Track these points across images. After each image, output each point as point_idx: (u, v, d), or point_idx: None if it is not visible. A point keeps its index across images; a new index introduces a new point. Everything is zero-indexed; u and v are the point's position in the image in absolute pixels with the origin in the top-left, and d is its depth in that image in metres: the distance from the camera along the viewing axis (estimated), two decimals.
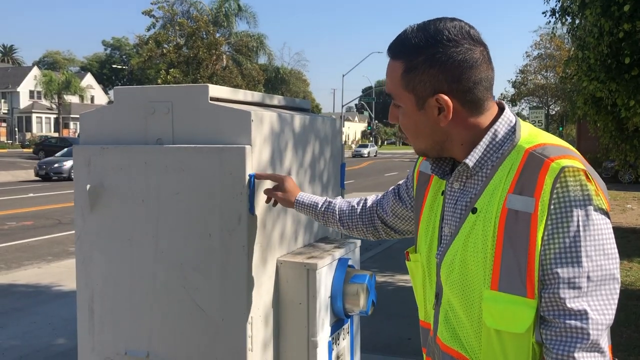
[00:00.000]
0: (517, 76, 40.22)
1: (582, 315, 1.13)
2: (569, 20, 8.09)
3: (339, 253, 2.27)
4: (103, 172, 2.06)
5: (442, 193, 1.39)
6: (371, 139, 73.68)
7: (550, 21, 8.59)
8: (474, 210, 1.25)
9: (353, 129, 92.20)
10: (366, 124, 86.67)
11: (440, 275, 1.33)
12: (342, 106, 58.26)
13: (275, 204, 1.98)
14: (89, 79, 67.18)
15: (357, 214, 1.77)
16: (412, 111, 1.28)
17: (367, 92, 71.61)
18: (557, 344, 1.15)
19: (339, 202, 1.83)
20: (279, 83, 46.57)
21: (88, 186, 2.04)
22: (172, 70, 30.66)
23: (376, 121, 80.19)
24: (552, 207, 1.15)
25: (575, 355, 1.13)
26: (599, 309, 1.14)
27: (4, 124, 58.83)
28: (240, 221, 1.90)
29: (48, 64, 77.43)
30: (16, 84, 63.61)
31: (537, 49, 38.38)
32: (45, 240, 10.26)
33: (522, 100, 41.38)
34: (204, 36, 32.44)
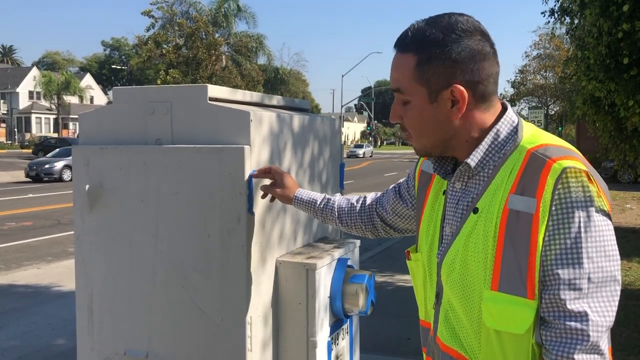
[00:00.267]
0: (516, 76, 40.24)
1: (583, 316, 1.13)
2: (568, 20, 8.10)
3: (338, 253, 2.27)
4: (102, 173, 2.06)
5: (444, 193, 1.39)
6: (370, 139, 73.70)
7: (549, 21, 8.60)
8: (475, 210, 1.24)
9: (352, 129, 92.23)
10: (365, 124, 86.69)
11: (441, 275, 1.33)
12: (342, 106, 58.29)
13: (272, 200, 1.97)
14: (88, 80, 67.16)
15: (356, 212, 1.77)
16: (423, 105, 1.26)
17: (366, 92, 71.62)
18: (556, 345, 1.15)
19: (338, 199, 1.82)
20: (278, 83, 46.59)
21: (87, 186, 2.04)
22: (171, 70, 30.66)
23: (375, 121, 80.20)
24: (553, 208, 1.15)
25: (575, 357, 1.13)
26: (599, 311, 1.14)
27: (3, 125, 58.83)
28: (239, 221, 1.90)
29: (47, 64, 77.39)
30: (15, 84, 63.59)
31: (537, 49, 38.41)
32: (44, 240, 10.26)
33: (522, 101, 41.39)
34: (204, 36, 32.44)
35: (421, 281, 1.46)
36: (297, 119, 2.29)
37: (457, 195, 1.33)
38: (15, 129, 59.95)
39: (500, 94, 41.81)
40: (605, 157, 8.90)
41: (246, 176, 1.89)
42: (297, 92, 50.84)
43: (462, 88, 1.22)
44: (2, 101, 63.53)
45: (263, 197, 1.95)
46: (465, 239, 1.25)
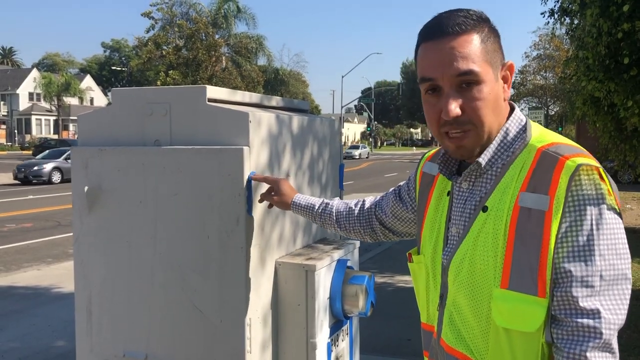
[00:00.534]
0: (516, 77, 40.20)
1: (595, 314, 1.12)
2: (568, 20, 8.10)
3: (337, 254, 2.27)
4: (101, 174, 2.06)
5: (448, 194, 1.37)
6: (370, 140, 73.71)
7: (548, 22, 8.60)
8: (485, 209, 1.24)
9: (352, 130, 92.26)
10: (365, 125, 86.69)
11: (448, 276, 1.31)
12: (342, 107, 58.32)
13: (270, 206, 1.97)
14: (88, 81, 67.20)
15: (355, 216, 1.76)
16: (493, 84, 1.23)
17: (366, 93, 71.66)
18: (568, 343, 1.13)
19: (336, 203, 1.82)
20: (278, 84, 46.60)
21: (86, 188, 2.04)
22: (171, 71, 30.67)
23: (375, 122, 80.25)
24: (567, 205, 1.14)
25: (588, 354, 1.11)
26: (612, 309, 1.13)
27: (3, 126, 58.86)
28: (238, 222, 1.90)
29: (47, 66, 77.46)
30: (15, 86, 63.62)
31: (536, 50, 38.43)
32: (44, 242, 10.25)
33: (522, 101, 41.39)
34: (203, 38, 32.44)
35: (424, 284, 1.45)
36: (296, 120, 2.29)
37: (464, 195, 1.32)
38: (16, 131, 59.98)
39: None
40: (605, 157, 8.89)
41: (245, 177, 1.89)
42: (297, 93, 50.84)
43: (512, 62, 1.27)
44: (2, 103, 63.55)
45: (260, 201, 1.94)
46: (474, 238, 1.24)
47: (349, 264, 2.31)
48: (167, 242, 1.99)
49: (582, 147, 1.23)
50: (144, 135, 2.04)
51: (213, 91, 2.01)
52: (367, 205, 1.76)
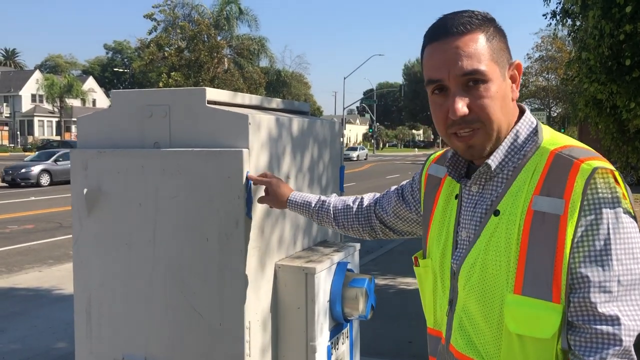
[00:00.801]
0: None
1: (614, 320, 1.09)
2: (570, 22, 8.08)
3: (337, 257, 2.26)
4: (100, 176, 2.05)
5: (456, 197, 1.35)
6: (372, 141, 73.70)
7: (550, 23, 8.57)
8: (496, 213, 1.21)
9: (354, 132, 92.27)
10: (367, 127, 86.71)
11: (458, 280, 1.28)
12: (344, 109, 58.34)
13: (271, 206, 1.97)
14: (90, 83, 67.36)
15: (353, 213, 1.74)
16: (499, 83, 1.21)
17: (368, 94, 71.69)
18: (587, 350, 1.11)
19: (334, 200, 1.80)
20: (281, 86, 46.64)
21: (85, 190, 2.03)
22: (173, 73, 30.71)
23: (377, 123, 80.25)
24: (583, 209, 1.11)
25: None
26: (630, 315, 1.10)
27: (6, 128, 59.00)
28: (237, 225, 1.89)
29: (50, 67, 77.68)
30: (18, 87, 63.77)
31: (539, 51, 38.38)
32: (46, 243, 10.26)
33: (524, 103, 41.27)
34: (206, 39, 32.49)
35: (430, 288, 1.42)
36: (296, 122, 2.28)
37: (473, 198, 1.29)
38: (18, 132, 60.11)
39: None
40: (607, 159, 8.86)
41: (244, 180, 1.88)
42: (299, 95, 50.86)
43: (519, 61, 1.26)
44: (5, 104, 63.72)
45: (259, 202, 1.93)
46: (486, 243, 1.21)
47: (349, 266, 2.30)
48: (167, 245, 1.98)
49: (594, 150, 1.21)
50: (144, 138, 2.03)
51: (213, 93, 2.00)
52: (365, 202, 1.74)
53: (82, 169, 2.08)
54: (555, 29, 9.21)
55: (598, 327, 1.10)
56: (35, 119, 61.07)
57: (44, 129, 61.34)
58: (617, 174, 1.15)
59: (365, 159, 48.94)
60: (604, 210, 1.12)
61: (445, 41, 1.20)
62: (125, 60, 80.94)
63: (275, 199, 1.85)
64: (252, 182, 1.90)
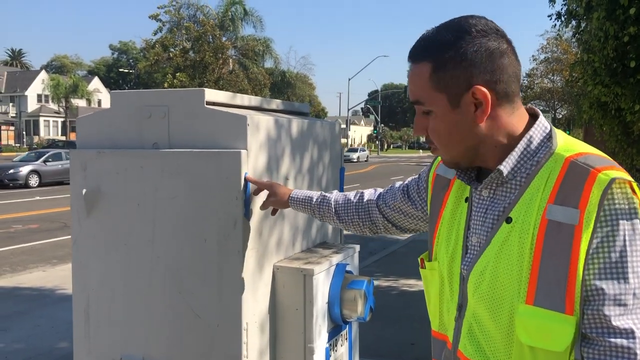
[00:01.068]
0: (523, 80, 40.09)
1: (629, 333, 1.08)
2: (575, 23, 8.05)
3: (336, 259, 2.26)
4: (99, 177, 2.06)
5: (466, 200, 1.32)
6: (377, 142, 73.65)
7: (555, 24, 8.55)
8: (509, 220, 1.19)
9: (359, 133, 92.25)
10: (372, 128, 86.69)
11: (467, 287, 1.26)
12: (348, 110, 58.35)
13: (274, 212, 1.97)
14: (96, 83, 67.59)
15: (353, 207, 1.72)
16: (445, 113, 1.21)
17: (373, 95, 71.65)
18: None
19: (335, 195, 1.79)
20: (285, 87, 46.62)
21: (84, 190, 2.04)
22: (178, 74, 30.77)
23: (382, 125, 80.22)
24: (599, 220, 1.09)
25: None
26: None
27: (12, 128, 59.27)
28: (235, 226, 1.89)
29: (56, 67, 78.02)
30: (24, 87, 64.07)
31: (544, 53, 38.26)
32: (50, 243, 10.29)
33: (529, 104, 41.13)
34: (211, 40, 32.54)
35: (437, 291, 1.40)
36: (295, 123, 2.28)
37: (484, 203, 1.26)
38: (24, 132, 60.38)
39: None
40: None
41: (242, 181, 1.88)
42: (304, 96, 50.88)
43: (483, 89, 1.17)
44: (11, 104, 64.03)
45: (262, 208, 1.93)
46: (497, 250, 1.19)
47: (348, 268, 2.29)
48: (165, 245, 1.98)
49: (610, 158, 1.17)
50: (143, 138, 2.04)
51: (211, 94, 2.00)
52: (366, 196, 1.72)
53: (82, 169, 2.08)
54: (559, 31, 9.18)
55: (612, 340, 1.08)
56: (41, 119, 61.33)
57: (49, 129, 61.60)
58: (635, 184, 1.12)
59: (365, 161, 48.32)
60: (620, 221, 1.09)
61: (409, 65, 1.25)
62: (131, 60, 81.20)
63: (278, 199, 1.85)
64: (246, 179, 1.90)
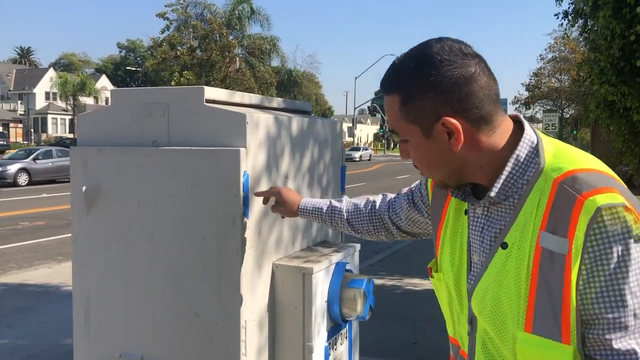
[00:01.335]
0: (530, 79, 39.89)
1: (632, 354, 1.07)
2: (581, 22, 8.01)
3: (336, 257, 2.25)
4: (99, 174, 2.06)
5: (465, 212, 1.31)
6: (383, 141, 73.50)
7: (562, 23, 8.50)
8: (504, 246, 1.17)
9: (365, 131, 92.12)
10: (378, 127, 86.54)
11: (472, 306, 1.26)
12: (355, 108, 58.27)
13: (285, 214, 1.93)
14: (103, 81, 67.88)
15: (366, 217, 1.70)
16: (420, 142, 1.21)
17: (379, 94, 71.52)
18: None
19: (345, 205, 1.76)
20: (292, 85, 46.64)
21: (84, 188, 2.04)
22: (185, 72, 30.85)
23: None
24: (587, 248, 1.07)
25: None
26: None
27: (20, 125, 59.60)
28: (234, 224, 1.89)
29: (64, 65, 78.38)
30: (32, 85, 64.46)
31: (552, 52, 38.05)
32: (56, 240, 10.34)
33: (536, 104, 41.00)
34: (217, 39, 32.60)
35: (446, 300, 1.39)
36: (295, 122, 2.27)
37: (479, 222, 1.25)
38: (32, 129, 60.73)
39: (515, 97, 41.14)
40: (619, 161, 8.77)
41: (242, 179, 1.88)
42: (310, 94, 50.86)
43: (452, 120, 1.15)
44: (19, 102, 64.45)
45: (273, 210, 1.91)
46: (496, 276, 1.18)
47: (348, 267, 2.29)
48: (165, 243, 1.98)
49: (602, 167, 1.15)
50: (143, 136, 2.04)
51: (211, 92, 2.00)
52: (377, 205, 1.70)
53: (82, 167, 2.09)
54: (566, 29, 9.13)
55: None
56: (49, 117, 61.67)
57: (57, 127, 61.94)
58: (628, 204, 1.08)
59: (368, 160, 47.66)
60: (612, 244, 1.07)
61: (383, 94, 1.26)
62: (138, 58, 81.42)
63: (287, 208, 1.83)
64: (255, 195, 1.89)
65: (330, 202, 1.79)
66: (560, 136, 42.52)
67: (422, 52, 1.18)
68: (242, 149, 1.89)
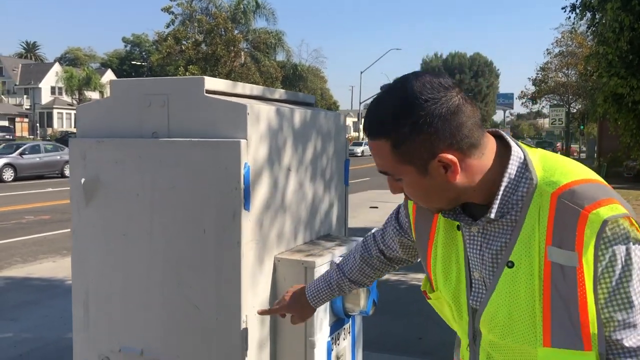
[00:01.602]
0: (537, 74, 39.67)
1: None
2: (589, 15, 7.92)
3: (339, 251, 2.22)
4: (98, 166, 2.03)
5: (458, 227, 1.31)
6: None
7: (570, 17, 8.41)
8: (510, 264, 1.19)
9: None
10: None
11: (480, 325, 1.27)
12: (360, 103, 58.11)
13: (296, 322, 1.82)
14: (109, 75, 67.93)
15: (368, 268, 1.67)
16: (416, 180, 1.20)
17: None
18: None
19: (344, 270, 1.68)
20: (297, 80, 46.55)
21: (83, 180, 2.01)
22: (190, 66, 30.86)
23: None
24: (599, 258, 1.11)
25: None
26: None
27: (26, 120, 59.80)
28: (234, 217, 1.85)
29: (69, 60, 78.56)
30: (38, 80, 64.62)
31: (558, 46, 37.78)
32: (61, 234, 10.35)
33: (543, 99, 40.78)
34: (223, 33, 32.58)
35: (450, 315, 1.39)
36: (298, 114, 2.23)
37: (476, 240, 1.26)
38: (38, 124, 60.90)
39: (521, 92, 40.88)
40: (627, 156, 8.69)
41: (242, 171, 1.84)
42: (316, 89, 50.75)
43: (448, 156, 1.15)
44: (25, 96, 64.65)
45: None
46: (507, 295, 1.20)
47: None
48: (164, 236, 1.95)
49: (592, 178, 1.17)
50: (142, 127, 2.01)
51: (211, 82, 1.96)
52: (373, 252, 1.65)
53: (81, 158, 2.05)
54: (574, 23, 9.03)
55: (630, 359, 1.12)
56: (55, 111, 61.81)
57: (62, 121, 62.10)
58: (631, 216, 1.13)
59: (370, 155, 47.45)
60: (616, 251, 1.11)
61: (367, 137, 1.24)
62: (144, 53, 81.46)
63: (305, 315, 1.72)
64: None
65: (327, 280, 1.70)
66: (567, 131, 42.28)
67: (403, 92, 1.16)
68: (242, 141, 1.85)
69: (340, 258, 1.76)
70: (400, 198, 1.36)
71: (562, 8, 8.44)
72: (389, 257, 1.64)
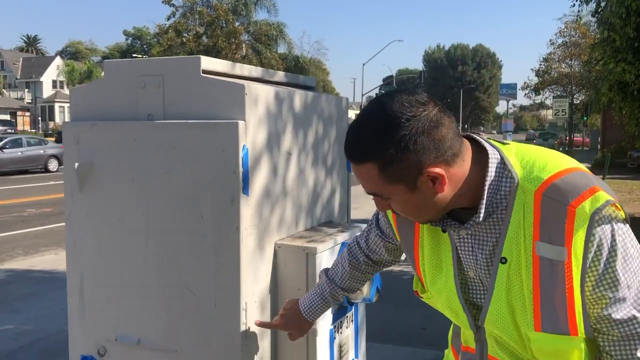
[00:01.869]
0: (540, 65, 39.43)
1: (632, 321, 1.17)
2: (594, 3, 7.81)
3: (342, 237, 2.16)
4: (92, 150, 1.97)
5: (444, 230, 1.34)
6: None
7: (574, 4, 8.30)
8: (504, 260, 1.24)
9: None
10: None
11: (485, 323, 1.31)
12: (362, 95, 57.91)
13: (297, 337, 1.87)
14: None
15: (358, 273, 1.72)
16: (405, 197, 1.24)
17: (387, 81, 71.09)
18: (617, 349, 1.20)
19: (336, 278, 1.73)
20: (299, 72, 46.33)
21: (76, 164, 1.95)
22: None
23: None
24: (587, 252, 1.16)
25: (638, 354, 1.18)
26: None
27: (27, 113, 59.76)
28: (233, 202, 1.79)
29: (70, 53, 78.44)
30: (39, 73, 64.57)
31: (562, 37, 37.53)
32: (63, 226, 10.30)
33: (546, 90, 40.57)
34: (224, 25, 32.45)
35: (447, 310, 1.43)
36: (298, 96, 2.17)
37: (467, 242, 1.30)
38: (39, 118, 60.88)
39: (524, 82, 40.70)
40: (631, 147, 8.60)
41: (240, 154, 1.78)
42: (317, 81, 50.49)
43: (435, 169, 1.18)
44: (26, 90, 64.61)
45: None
46: (505, 290, 1.26)
47: None
48: (160, 222, 1.89)
49: (570, 165, 1.21)
50: (137, 109, 1.94)
51: (208, 62, 1.90)
52: (358, 257, 1.70)
53: (75, 143, 1.99)
54: (579, 11, 8.93)
55: (620, 330, 1.18)
56: (56, 105, 61.77)
57: (64, 115, 62.05)
58: (610, 198, 1.17)
59: None
60: (603, 239, 1.16)
61: (351, 162, 1.26)
62: (145, 46, 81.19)
63: (302, 330, 1.78)
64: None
65: (320, 293, 1.74)
66: (570, 122, 42.09)
67: (383, 115, 1.17)
68: (240, 122, 1.78)
69: (333, 262, 1.78)
70: None
71: None
72: (376, 260, 1.70)
